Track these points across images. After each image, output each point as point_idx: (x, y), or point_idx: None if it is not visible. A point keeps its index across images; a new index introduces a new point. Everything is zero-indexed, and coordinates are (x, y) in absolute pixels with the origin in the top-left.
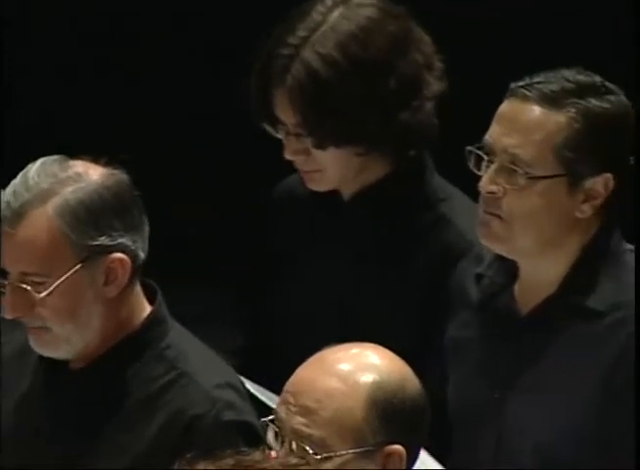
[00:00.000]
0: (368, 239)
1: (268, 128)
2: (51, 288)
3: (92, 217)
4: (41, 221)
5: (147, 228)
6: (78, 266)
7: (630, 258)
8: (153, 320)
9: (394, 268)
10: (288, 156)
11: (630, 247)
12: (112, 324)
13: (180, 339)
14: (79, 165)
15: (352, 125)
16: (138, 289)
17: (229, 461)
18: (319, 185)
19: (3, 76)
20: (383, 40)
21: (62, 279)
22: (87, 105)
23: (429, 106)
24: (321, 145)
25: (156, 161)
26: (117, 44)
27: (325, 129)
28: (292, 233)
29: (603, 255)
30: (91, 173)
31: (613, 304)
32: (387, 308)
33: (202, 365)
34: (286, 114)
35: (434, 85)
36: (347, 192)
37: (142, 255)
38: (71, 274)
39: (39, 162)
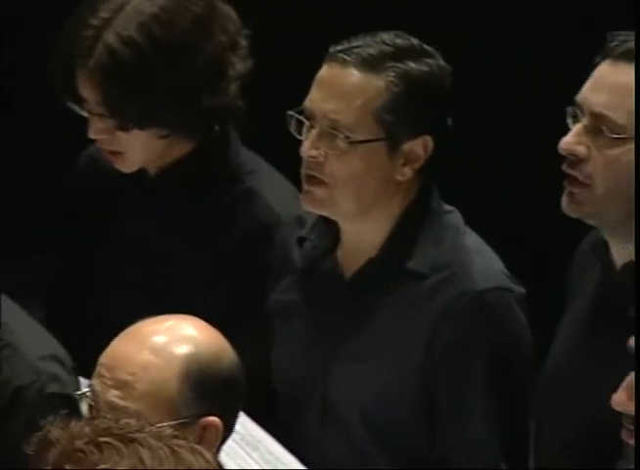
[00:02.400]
0: (175, 213)
1: (73, 106)
2: None
3: None
4: None
5: None
6: None
7: (451, 219)
8: None
9: (204, 241)
10: (91, 135)
11: (450, 208)
12: None
13: (5, 310)
14: None
15: (155, 108)
16: None
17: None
18: (123, 166)
19: None
20: (186, 21)
21: None
22: None
23: (234, 87)
24: (123, 126)
25: None
26: None
27: (127, 111)
28: (101, 205)
29: (423, 216)
30: None
31: (434, 265)
32: (200, 279)
33: (27, 337)
34: (89, 94)
35: (240, 65)
36: (152, 168)
37: None
38: None
39: None
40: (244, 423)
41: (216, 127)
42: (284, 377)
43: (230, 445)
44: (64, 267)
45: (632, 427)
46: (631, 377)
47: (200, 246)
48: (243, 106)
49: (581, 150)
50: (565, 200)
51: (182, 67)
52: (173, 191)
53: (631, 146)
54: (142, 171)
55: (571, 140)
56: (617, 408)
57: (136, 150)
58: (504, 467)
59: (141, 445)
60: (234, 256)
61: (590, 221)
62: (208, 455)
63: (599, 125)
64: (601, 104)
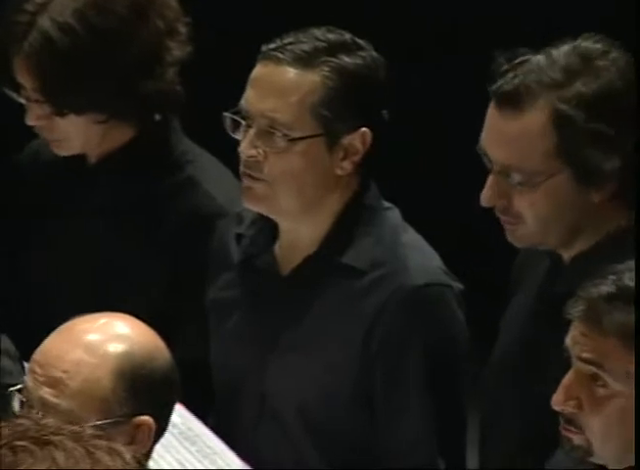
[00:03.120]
0: (114, 202)
1: (10, 93)
2: None
3: None
4: None
5: None
6: None
7: (390, 216)
8: None
9: (142, 231)
10: (29, 122)
11: (388, 205)
12: None
13: None
14: None
15: (91, 94)
16: None
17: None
18: (63, 151)
19: None
20: (122, 7)
21: None
22: None
23: (171, 72)
24: (60, 112)
25: None
26: None
27: (63, 97)
28: (39, 199)
29: (362, 213)
30: None
31: (372, 262)
32: (137, 275)
33: None
34: (25, 80)
35: (177, 51)
36: (93, 156)
37: None
38: None
39: None
40: (183, 417)
41: (157, 116)
42: (221, 373)
43: (168, 438)
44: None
45: (569, 426)
46: (568, 377)
47: (138, 236)
48: (181, 92)
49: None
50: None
51: (118, 52)
52: (112, 179)
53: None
54: (83, 159)
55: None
56: (556, 408)
57: (74, 135)
58: (441, 464)
59: (56, 447)
60: (172, 246)
61: (541, 248)
62: (128, 456)
63: (508, 174)
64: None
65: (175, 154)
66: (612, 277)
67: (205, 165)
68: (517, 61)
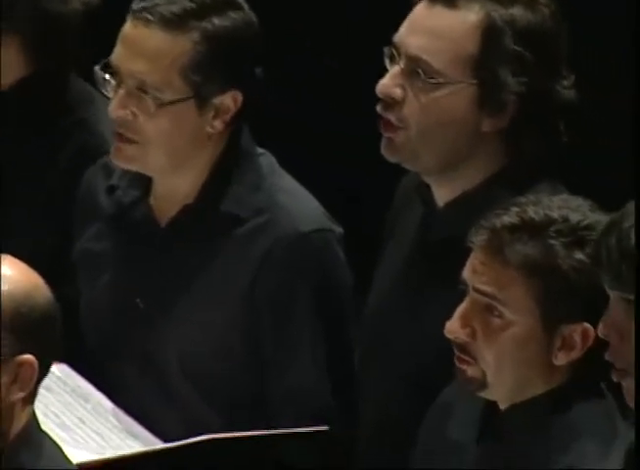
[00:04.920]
0: (10, 144)
1: None
2: None
3: None
4: None
5: None
6: None
7: (264, 162)
8: None
9: (35, 173)
10: None
11: (262, 151)
12: None
13: None
14: None
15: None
16: None
17: None
18: None
19: None
20: None
21: None
22: None
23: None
24: None
25: None
26: None
27: None
28: None
29: (237, 161)
30: None
31: (252, 209)
32: (25, 215)
33: None
34: None
35: None
36: None
37: None
38: None
39: None
40: (70, 376)
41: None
42: (95, 327)
43: (65, 396)
44: None
45: (464, 355)
46: (464, 306)
47: (27, 180)
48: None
49: (397, 92)
50: (383, 144)
51: None
52: (6, 120)
53: (447, 91)
54: None
55: (388, 83)
56: (450, 336)
57: None
58: (333, 407)
59: None
60: (62, 187)
61: (408, 166)
62: None
63: (415, 68)
64: (417, 47)
65: (70, 95)
66: (515, 209)
67: (99, 107)
68: None
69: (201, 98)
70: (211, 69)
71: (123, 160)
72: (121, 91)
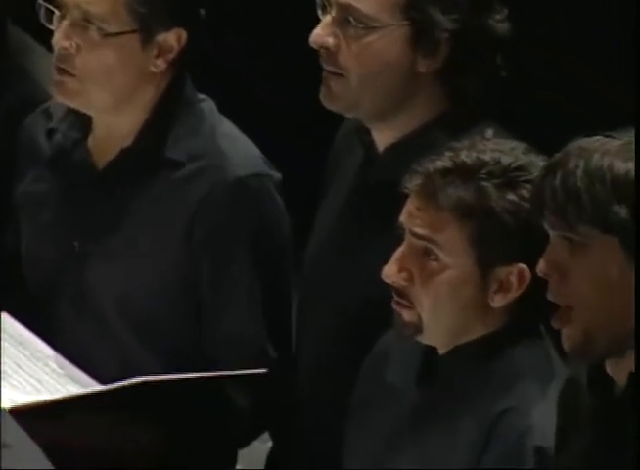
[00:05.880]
0: None
1: None
2: None
3: None
4: None
5: None
6: None
7: (205, 107)
8: None
9: None
10: None
11: (203, 96)
12: None
13: None
14: None
15: None
16: None
17: None
18: None
19: None
20: None
21: None
22: None
23: None
24: None
25: None
26: None
27: None
28: None
29: (177, 105)
30: None
31: (191, 153)
32: None
33: None
34: None
35: None
36: None
37: None
38: None
39: None
40: (9, 324)
41: None
42: (35, 269)
43: (3, 344)
44: None
45: (401, 299)
46: (401, 251)
47: None
48: None
49: (330, 41)
50: (322, 92)
51: None
52: None
53: (379, 35)
54: None
55: (320, 32)
56: (387, 280)
57: None
58: (271, 351)
59: None
60: None
61: (347, 114)
62: None
63: (346, 15)
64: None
65: (8, 42)
66: (448, 153)
67: (39, 57)
68: None
69: (145, 32)
70: (157, 2)
71: (64, 94)
72: (66, 22)
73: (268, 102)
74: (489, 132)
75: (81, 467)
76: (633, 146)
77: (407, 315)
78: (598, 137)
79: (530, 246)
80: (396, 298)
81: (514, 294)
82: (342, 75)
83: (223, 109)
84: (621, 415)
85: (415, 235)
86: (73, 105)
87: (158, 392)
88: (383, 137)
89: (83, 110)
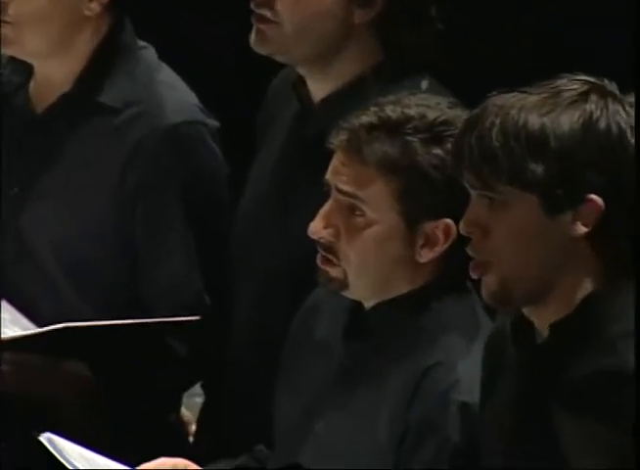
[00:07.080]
0: None
1: None
2: None
3: None
4: None
5: None
6: None
7: (145, 55)
8: None
9: None
10: None
11: (144, 44)
12: None
13: None
14: None
15: None
16: None
17: None
18: None
19: None
20: None
21: None
22: None
23: None
24: None
25: None
26: None
27: None
28: None
29: (116, 52)
30: None
31: (127, 100)
32: None
33: None
34: None
35: None
36: None
37: None
38: None
39: None
40: None
41: None
42: None
43: None
44: None
45: (328, 255)
46: (327, 206)
47: None
48: None
49: None
50: (253, 37)
51: None
52: None
53: None
54: None
55: None
56: (314, 236)
57: None
58: (207, 299)
59: None
60: None
61: (280, 58)
62: None
63: None
64: None
65: None
66: (374, 109)
67: None
68: None
69: None
70: None
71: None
72: None
73: (209, 49)
74: (424, 84)
75: (18, 412)
76: (551, 100)
77: (332, 271)
78: (514, 93)
79: (456, 201)
80: (323, 253)
81: (440, 248)
82: (276, 23)
83: (164, 56)
84: (544, 364)
85: (341, 191)
86: (10, 52)
87: (81, 337)
88: (318, 89)
89: (20, 57)
